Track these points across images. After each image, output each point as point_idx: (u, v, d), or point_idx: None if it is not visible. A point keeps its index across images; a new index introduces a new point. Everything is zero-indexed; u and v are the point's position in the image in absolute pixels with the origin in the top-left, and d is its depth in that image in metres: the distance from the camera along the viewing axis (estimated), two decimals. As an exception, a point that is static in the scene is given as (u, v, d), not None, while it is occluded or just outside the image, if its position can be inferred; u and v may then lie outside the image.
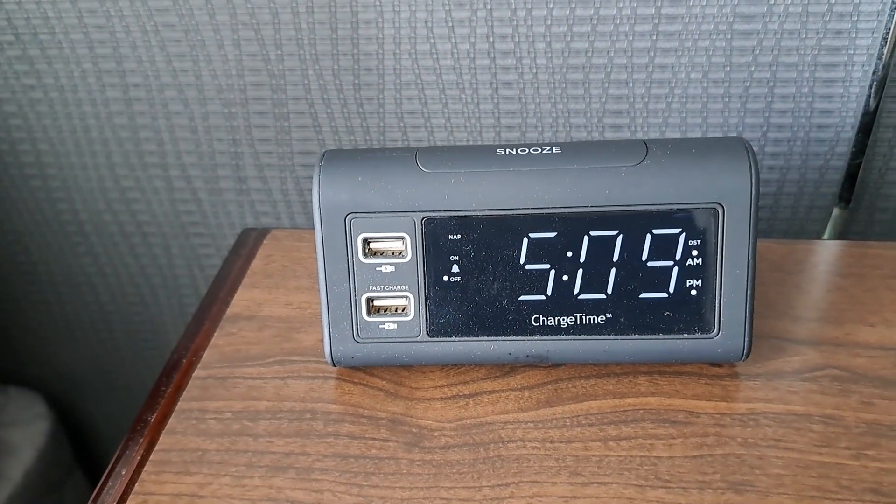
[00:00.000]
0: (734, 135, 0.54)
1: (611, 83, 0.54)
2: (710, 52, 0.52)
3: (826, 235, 0.58)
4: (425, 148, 0.38)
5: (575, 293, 0.38)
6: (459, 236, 0.37)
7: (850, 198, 0.55)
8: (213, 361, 0.42)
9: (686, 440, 0.36)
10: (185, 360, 0.42)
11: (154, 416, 0.39)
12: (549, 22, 0.52)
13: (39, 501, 0.68)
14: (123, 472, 0.36)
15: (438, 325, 0.39)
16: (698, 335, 0.38)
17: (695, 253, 0.37)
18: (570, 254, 0.37)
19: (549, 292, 0.38)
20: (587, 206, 0.37)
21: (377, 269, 0.38)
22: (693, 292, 0.37)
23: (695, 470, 0.35)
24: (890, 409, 0.37)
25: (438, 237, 0.37)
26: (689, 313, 0.38)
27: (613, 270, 0.37)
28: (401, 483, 0.35)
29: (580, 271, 0.38)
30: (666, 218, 0.37)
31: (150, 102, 0.59)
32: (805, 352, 0.40)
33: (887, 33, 0.49)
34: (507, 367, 0.40)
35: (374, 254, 0.38)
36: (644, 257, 0.37)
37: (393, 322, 0.39)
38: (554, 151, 0.37)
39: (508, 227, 0.37)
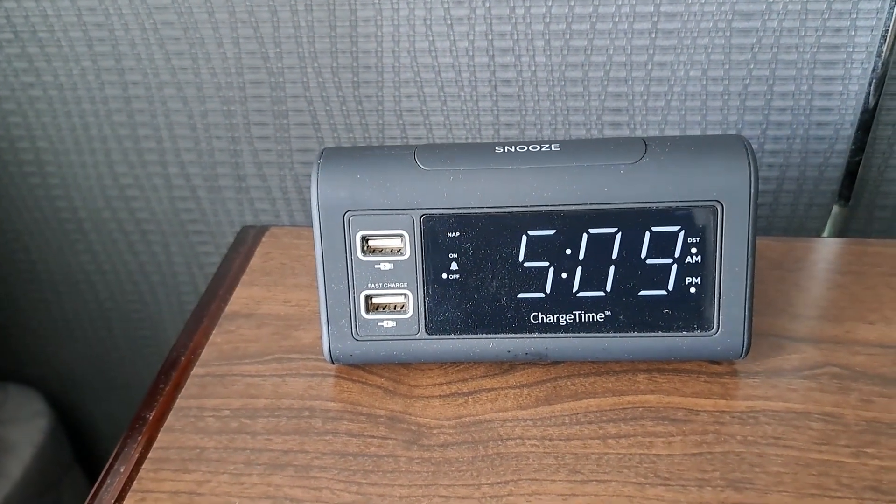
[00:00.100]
0: (733, 132, 0.54)
1: (610, 81, 0.54)
2: (710, 50, 0.51)
3: (826, 233, 0.58)
4: (424, 145, 0.38)
5: (574, 291, 0.38)
6: (458, 234, 0.37)
7: (849, 195, 0.55)
8: (211, 359, 0.42)
9: (685, 438, 0.36)
10: (183, 358, 0.42)
11: (152, 414, 0.39)
12: (547, 20, 0.52)
13: (38, 499, 0.68)
14: (122, 470, 0.36)
15: (437, 322, 0.39)
16: (697, 333, 0.38)
17: (694, 250, 0.37)
18: (569, 251, 0.37)
19: (548, 290, 0.38)
20: (586, 204, 0.36)
21: (376, 266, 0.38)
22: (692, 290, 0.37)
23: (694, 468, 0.35)
24: (889, 407, 0.37)
25: (437, 235, 0.37)
26: (689, 311, 0.38)
27: (612, 268, 0.37)
28: (399, 481, 0.35)
29: (579, 269, 0.37)
30: (665, 215, 0.36)
31: (149, 100, 0.59)
32: (804, 349, 0.40)
33: (886, 31, 0.49)
34: (505, 364, 0.40)
35: (373, 251, 0.38)
36: (643, 255, 0.37)
37: (392, 320, 0.39)
38: (553, 149, 0.37)
39: (507, 225, 0.37)
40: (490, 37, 0.53)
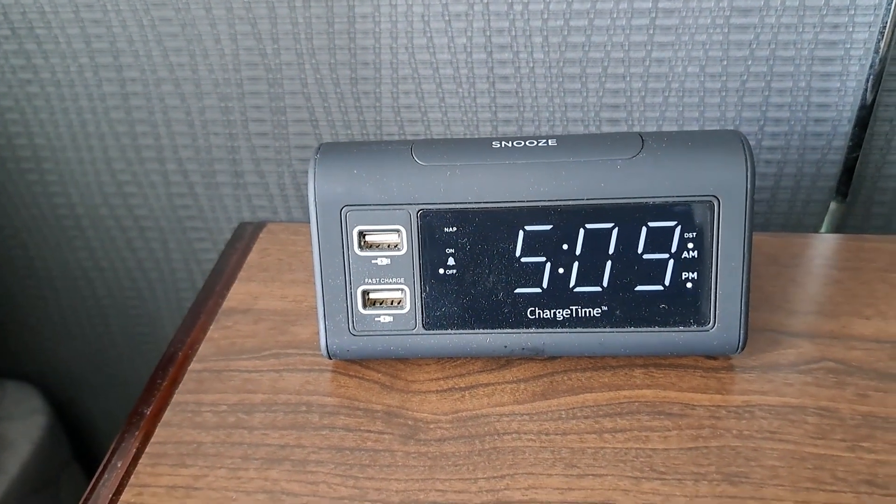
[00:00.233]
0: (731, 128, 0.54)
1: (608, 77, 0.54)
2: (707, 47, 0.52)
3: (823, 229, 0.58)
4: (421, 141, 0.38)
5: (570, 286, 0.38)
6: (455, 229, 0.37)
7: (846, 192, 0.55)
8: (208, 354, 0.42)
9: (681, 432, 0.36)
10: (180, 354, 0.42)
11: (150, 409, 0.39)
12: (545, 16, 0.52)
13: (36, 496, 0.68)
14: (119, 465, 0.36)
15: (434, 317, 0.39)
16: (694, 328, 0.38)
17: (690, 245, 0.37)
18: (565, 246, 0.37)
19: (544, 285, 0.38)
20: (583, 199, 0.37)
21: (373, 261, 0.38)
22: (689, 285, 0.37)
23: (690, 462, 0.35)
24: (885, 402, 0.37)
25: (434, 230, 0.37)
26: (685, 306, 0.38)
27: (609, 263, 0.37)
28: (396, 475, 0.35)
29: (576, 264, 0.38)
30: (661, 210, 0.37)
31: (146, 97, 0.59)
32: (800, 344, 0.40)
33: (884, 27, 0.49)
34: (502, 359, 0.40)
35: (370, 246, 0.38)
36: (640, 250, 0.37)
37: (389, 315, 0.39)
38: (550, 144, 0.37)
39: (504, 220, 0.37)
40: (488, 33, 0.53)
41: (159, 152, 0.61)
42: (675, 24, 0.51)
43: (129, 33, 0.56)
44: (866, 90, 0.51)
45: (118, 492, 0.35)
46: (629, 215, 0.37)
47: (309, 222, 0.38)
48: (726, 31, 0.51)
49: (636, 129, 0.56)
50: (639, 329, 0.38)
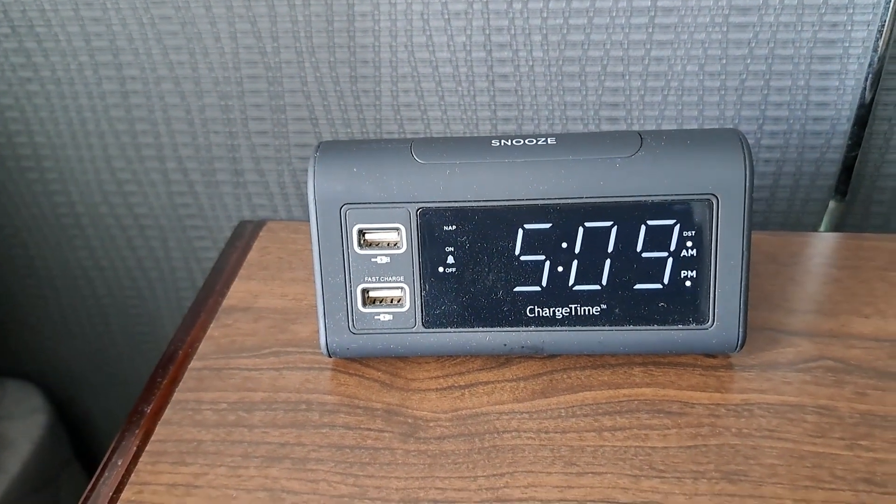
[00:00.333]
0: (730, 127, 0.54)
1: (607, 76, 0.54)
2: (707, 45, 0.52)
3: (822, 228, 0.58)
4: (420, 139, 0.38)
5: (570, 284, 0.38)
6: (454, 227, 0.37)
7: (846, 190, 0.55)
8: (208, 353, 0.42)
9: (680, 430, 0.36)
10: (181, 352, 0.42)
11: (150, 407, 0.39)
12: (545, 14, 0.52)
13: (36, 494, 0.68)
14: (119, 463, 0.36)
15: (434, 316, 0.39)
16: (693, 326, 0.38)
17: (689, 244, 0.37)
18: (564, 245, 0.37)
19: (544, 283, 0.38)
20: (582, 198, 0.37)
21: (372, 260, 0.38)
22: (687, 283, 0.38)
23: (689, 460, 0.35)
24: (883, 400, 0.37)
25: (433, 228, 0.37)
26: (684, 304, 0.38)
27: (608, 261, 0.37)
28: (396, 473, 0.35)
29: (575, 262, 0.38)
30: (660, 209, 0.37)
31: (146, 95, 0.59)
32: (799, 343, 0.40)
33: (882, 25, 0.49)
34: (502, 358, 0.40)
35: (370, 245, 0.38)
36: (639, 248, 0.37)
37: (388, 313, 0.39)
38: (549, 142, 0.37)
39: (503, 219, 0.37)
40: (487, 31, 0.53)
41: (159, 151, 0.62)
42: (674, 22, 0.51)
43: (129, 31, 0.56)
44: (865, 89, 0.51)
45: (118, 490, 0.35)
46: (628, 214, 0.37)
47: (309, 221, 0.38)
48: (725, 29, 0.51)
49: (635, 127, 0.56)
50: (638, 327, 0.38)
